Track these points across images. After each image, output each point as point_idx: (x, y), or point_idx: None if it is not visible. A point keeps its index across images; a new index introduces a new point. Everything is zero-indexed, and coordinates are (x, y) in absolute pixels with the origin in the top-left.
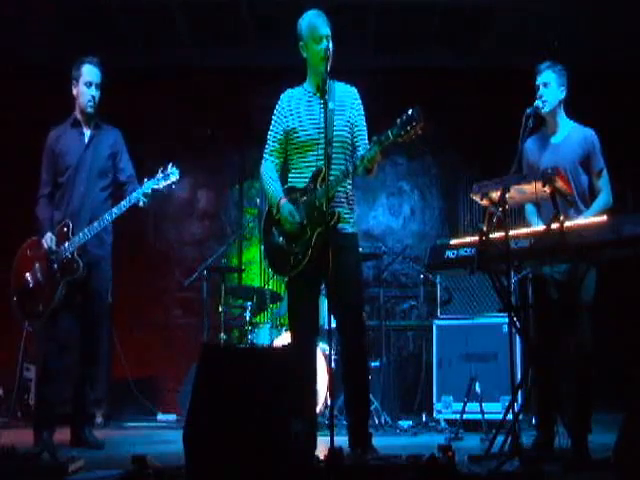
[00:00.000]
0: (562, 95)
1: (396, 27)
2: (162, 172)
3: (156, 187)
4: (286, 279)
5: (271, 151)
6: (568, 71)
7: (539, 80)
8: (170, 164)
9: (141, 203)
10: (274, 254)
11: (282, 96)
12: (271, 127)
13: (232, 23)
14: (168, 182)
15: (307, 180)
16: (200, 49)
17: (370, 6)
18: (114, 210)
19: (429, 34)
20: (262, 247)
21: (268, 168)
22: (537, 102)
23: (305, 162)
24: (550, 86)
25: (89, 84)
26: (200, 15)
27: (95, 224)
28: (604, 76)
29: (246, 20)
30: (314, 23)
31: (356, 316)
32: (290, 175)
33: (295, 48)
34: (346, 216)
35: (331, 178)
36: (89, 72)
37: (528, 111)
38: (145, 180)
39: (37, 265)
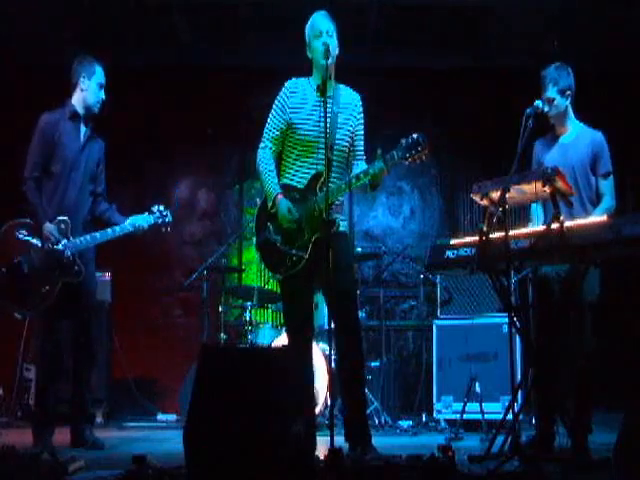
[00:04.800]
0: (567, 101)
1: (396, 27)
2: (159, 212)
3: (155, 222)
4: (280, 278)
5: (271, 138)
6: (572, 69)
7: (543, 95)
8: (162, 207)
9: (137, 232)
10: (269, 251)
11: (287, 84)
12: (273, 114)
13: (232, 23)
14: (164, 223)
15: (305, 181)
16: (200, 49)
17: (370, 6)
18: (117, 229)
19: (429, 34)
20: (255, 240)
21: (266, 157)
22: (537, 102)
23: (303, 161)
24: (553, 102)
25: (101, 86)
26: (200, 15)
27: (97, 235)
28: (604, 76)
29: (246, 20)
30: (315, 19)
31: (350, 315)
32: (287, 171)
33: (295, 48)
34: (337, 216)
35: (332, 186)
36: (102, 74)
37: (528, 111)
38: (146, 214)
39: (33, 254)
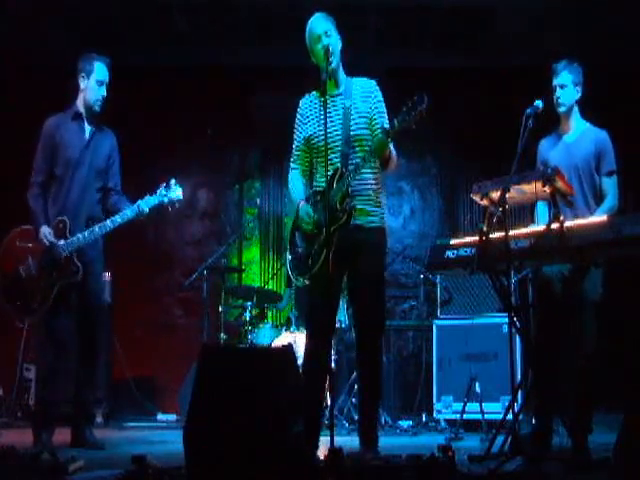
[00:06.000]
0: (578, 95)
1: (396, 27)
2: (165, 189)
3: (160, 202)
4: (306, 281)
5: (295, 160)
6: (584, 67)
7: (556, 81)
8: (173, 181)
9: (137, 217)
10: (296, 259)
11: (300, 103)
12: (294, 136)
13: (232, 23)
14: (171, 201)
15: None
16: (200, 49)
17: (370, 6)
18: (117, 218)
19: (429, 34)
20: (287, 256)
21: (293, 177)
22: (537, 102)
23: (324, 166)
24: (567, 88)
25: (101, 83)
26: (200, 15)
27: (96, 229)
28: (604, 76)
29: (246, 20)
30: (311, 25)
31: (373, 316)
32: (315, 179)
33: (295, 48)
34: (371, 210)
35: (349, 171)
36: (102, 71)
37: (528, 111)
38: (147, 196)
39: (31, 259)
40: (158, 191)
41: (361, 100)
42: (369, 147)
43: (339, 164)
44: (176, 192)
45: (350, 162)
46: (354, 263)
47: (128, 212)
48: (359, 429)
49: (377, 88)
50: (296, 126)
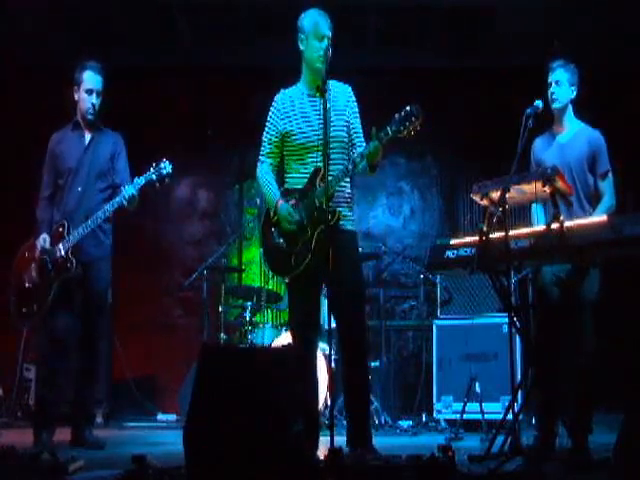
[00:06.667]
0: (573, 94)
1: (396, 27)
2: (154, 167)
3: (149, 181)
4: (287, 279)
5: (267, 153)
6: (580, 69)
7: (551, 78)
8: (163, 159)
9: (125, 203)
10: (274, 255)
11: (276, 97)
12: (266, 129)
13: (232, 23)
14: (161, 176)
15: (305, 181)
16: (200, 49)
17: (370, 6)
18: (107, 207)
19: (429, 34)
20: (261, 250)
21: (264, 171)
22: (537, 102)
23: (303, 164)
24: (562, 84)
25: (90, 91)
26: (200, 15)
27: (89, 222)
28: (604, 76)
29: (246, 20)
30: (319, 21)
31: (355, 316)
32: (288, 177)
33: (295, 48)
34: (347, 214)
35: (331, 177)
36: (90, 79)
37: (528, 111)
38: (135, 178)
39: (32, 265)
40: (147, 172)
41: (338, 103)
42: (347, 150)
43: (319, 164)
44: (165, 168)
45: (330, 164)
46: (333, 266)
47: (117, 199)
48: (350, 430)
49: (353, 94)
50: (271, 120)
